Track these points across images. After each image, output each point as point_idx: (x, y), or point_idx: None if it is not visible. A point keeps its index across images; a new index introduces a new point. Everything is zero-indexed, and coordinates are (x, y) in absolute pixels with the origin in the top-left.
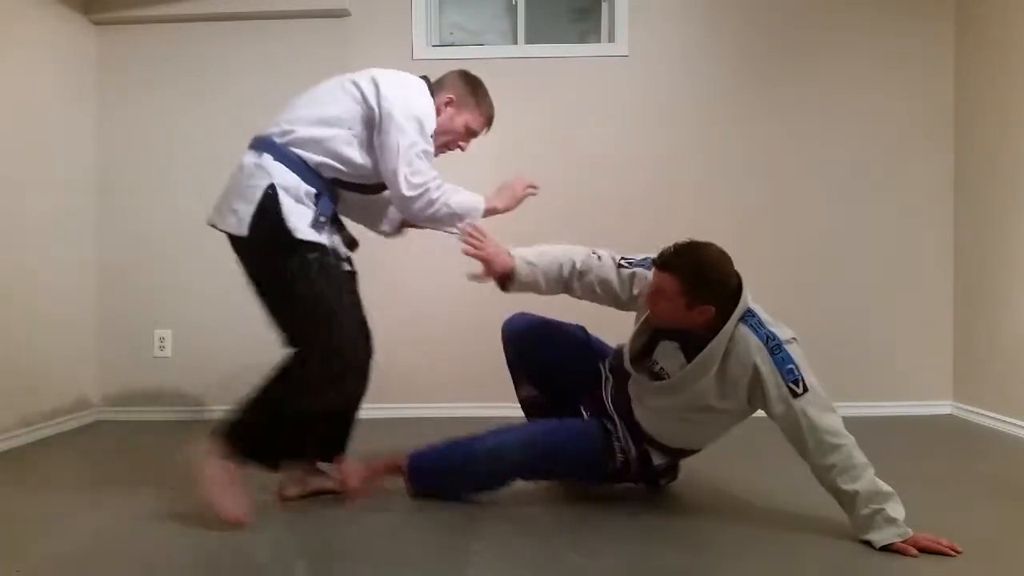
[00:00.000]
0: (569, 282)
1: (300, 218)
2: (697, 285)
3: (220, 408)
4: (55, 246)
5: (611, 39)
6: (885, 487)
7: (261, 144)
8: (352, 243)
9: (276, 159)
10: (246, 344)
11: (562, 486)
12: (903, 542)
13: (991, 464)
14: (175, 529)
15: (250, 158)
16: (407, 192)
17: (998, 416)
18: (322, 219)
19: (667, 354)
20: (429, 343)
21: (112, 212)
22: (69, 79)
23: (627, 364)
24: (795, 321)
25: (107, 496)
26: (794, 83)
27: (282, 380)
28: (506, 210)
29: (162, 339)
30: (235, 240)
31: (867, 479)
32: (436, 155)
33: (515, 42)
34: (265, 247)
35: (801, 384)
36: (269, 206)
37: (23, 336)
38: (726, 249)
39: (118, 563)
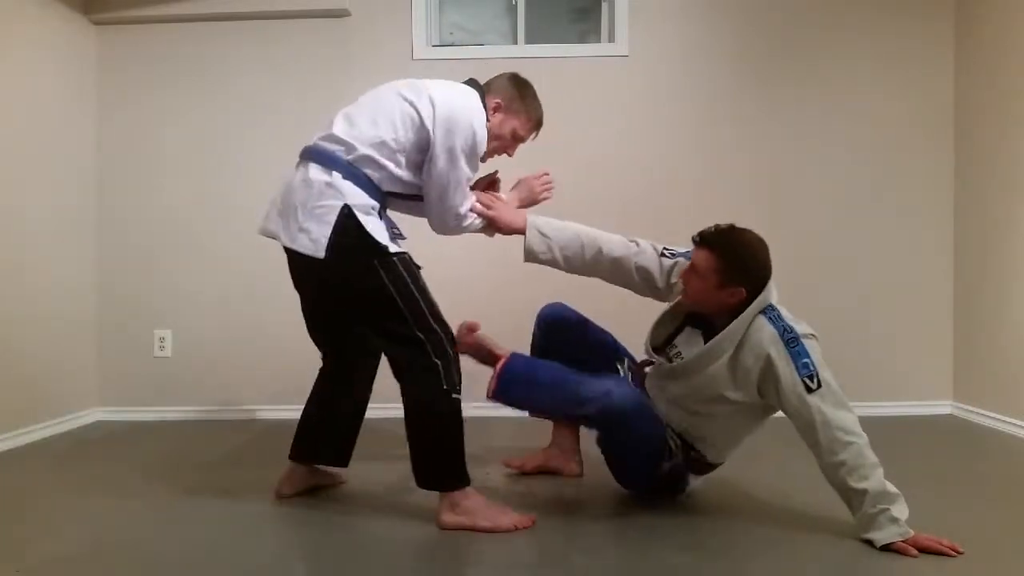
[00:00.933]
0: (596, 265)
1: (381, 232)
2: (732, 264)
3: (219, 408)
4: (55, 246)
5: (611, 39)
6: (892, 488)
7: (326, 159)
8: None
9: (346, 177)
10: (246, 344)
11: (563, 486)
12: (903, 542)
13: (991, 464)
14: (175, 529)
15: (319, 175)
16: (452, 224)
17: (998, 416)
18: (395, 231)
19: (687, 340)
20: None
21: (112, 212)
22: (69, 79)
23: (647, 348)
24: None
25: (107, 496)
26: (794, 83)
27: (428, 386)
28: (522, 207)
29: (162, 339)
30: (305, 261)
31: (876, 478)
32: (484, 161)
33: (515, 42)
34: (353, 266)
35: (816, 379)
36: (349, 226)
37: (23, 336)
38: None
39: (118, 563)
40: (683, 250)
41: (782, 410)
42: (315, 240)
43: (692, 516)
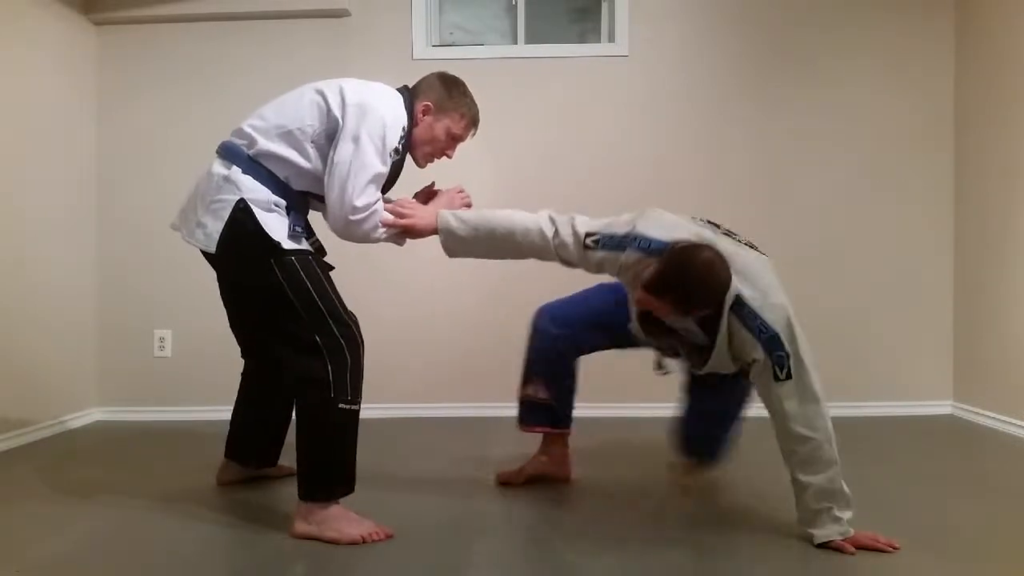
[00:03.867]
0: (516, 253)
1: (278, 228)
2: (688, 302)
3: (219, 408)
4: (55, 246)
5: (611, 39)
6: (843, 488)
7: (229, 154)
8: (320, 250)
9: (245, 171)
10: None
11: (563, 486)
12: (843, 540)
13: (991, 464)
14: (174, 529)
15: (218, 168)
16: (352, 216)
17: (998, 416)
18: (297, 229)
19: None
20: (428, 343)
21: (112, 212)
22: (69, 79)
23: (637, 333)
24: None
25: (106, 496)
26: (794, 83)
27: (313, 394)
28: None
29: (162, 339)
30: (207, 255)
31: (826, 476)
32: (423, 166)
33: (515, 42)
34: (246, 261)
35: (785, 370)
36: (242, 220)
37: (23, 336)
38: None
39: (118, 563)
40: (606, 232)
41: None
42: (208, 235)
43: (691, 517)
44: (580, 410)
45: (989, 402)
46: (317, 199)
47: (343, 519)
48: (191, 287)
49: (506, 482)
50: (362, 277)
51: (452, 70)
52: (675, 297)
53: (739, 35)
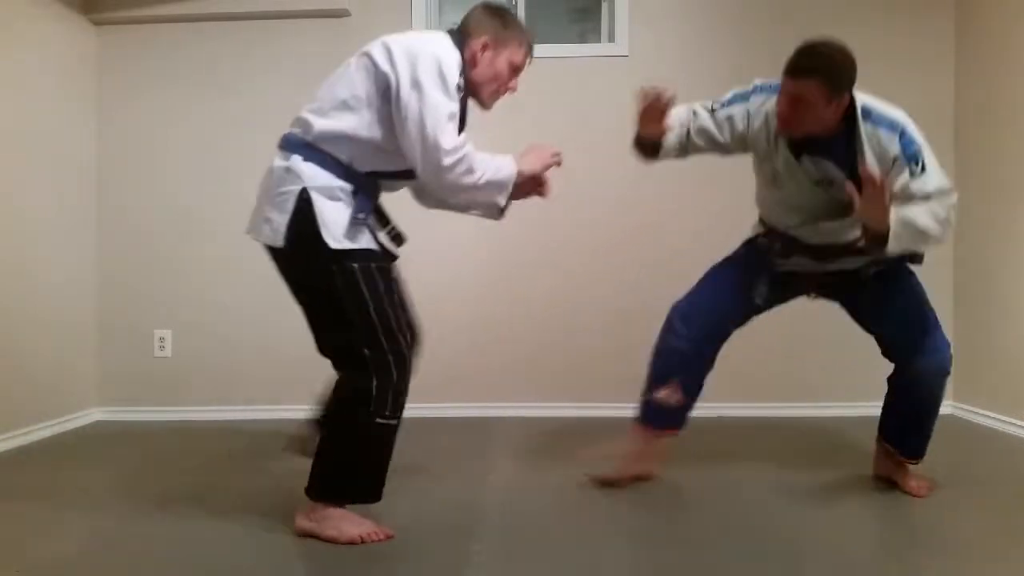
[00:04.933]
0: (685, 146)
1: (336, 224)
2: (835, 80)
3: (219, 408)
4: (55, 246)
5: (611, 39)
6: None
7: (288, 144)
8: (399, 239)
9: (306, 160)
10: (246, 344)
11: (559, 485)
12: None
13: (991, 464)
14: (174, 529)
15: (279, 161)
16: (445, 160)
17: (998, 416)
18: (360, 216)
19: (821, 171)
20: (429, 342)
21: (112, 212)
22: (69, 79)
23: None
24: (794, 320)
25: (107, 496)
26: None
27: (352, 404)
28: (532, 173)
29: (162, 339)
30: (273, 251)
31: (918, 223)
32: (490, 107)
33: None
34: (306, 260)
35: (920, 164)
36: (304, 212)
37: (23, 336)
38: (726, 249)
39: (118, 563)
40: (727, 97)
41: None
42: (275, 229)
43: (692, 516)
44: (594, 410)
45: (989, 402)
46: (388, 177)
47: (344, 519)
48: (191, 287)
49: (609, 483)
50: None
51: None
52: (822, 75)
53: (739, 35)
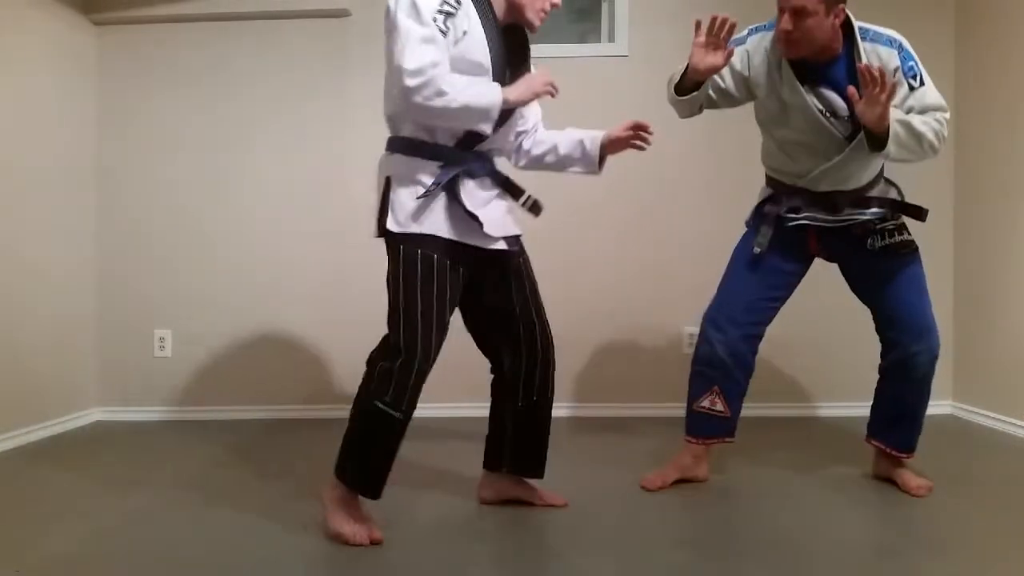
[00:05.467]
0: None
1: (402, 208)
2: None
3: (219, 408)
4: (55, 246)
5: (611, 39)
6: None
7: (386, 145)
8: (535, 207)
9: (389, 152)
10: (246, 344)
11: (560, 486)
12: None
13: (991, 464)
14: (174, 529)
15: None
16: (408, 81)
17: (998, 416)
18: (432, 189)
19: (839, 98)
20: None
21: (112, 212)
22: (68, 78)
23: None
24: (794, 320)
25: (107, 496)
26: None
27: (364, 377)
28: (519, 103)
29: (162, 339)
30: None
31: (915, 126)
32: (536, 26)
33: None
34: (387, 244)
35: (919, 77)
36: (385, 200)
37: (23, 336)
38: (726, 248)
39: (118, 563)
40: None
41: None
42: (376, 221)
43: (692, 516)
44: (597, 410)
45: (989, 402)
46: (478, 139)
47: (345, 510)
48: (191, 287)
49: (651, 487)
50: (364, 274)
51: None
52: None
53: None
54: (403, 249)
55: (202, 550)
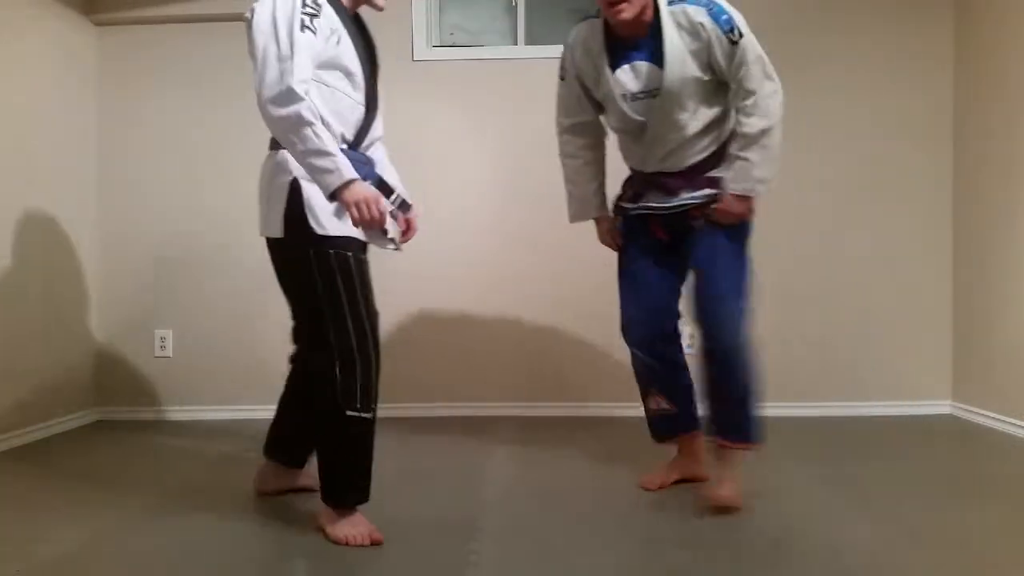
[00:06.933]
0: (591, 159)
1: (323, 210)
2: None
3: (220, 408)
4: (55, 246)
5: None
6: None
7: (275, 141)
8: (404, 205)
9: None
10: (246, 344)
11: (562, 485)
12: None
13: (990, 464)
14: (174, 529)
15: (268, 158)
16: (265, 92)
17: (997, 416)
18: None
19: (641, 75)
20: (429, 342)
21: (112, 212)
22: (69, 79)
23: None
24: (794, 320)
25: (107, 496)
26: (793, 84)
27: (319, 403)
28: (345, 201)
29: (162, 339)
30: (269, 243)
31: (769, 165)
32: (383, 7)
33: (515, 43)
34: (294, 247)
35: (736, 31)
36: (295, 201)
37: (23, 336)
38: None
39: (118, 563)
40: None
41: (726, 77)
42: (274, 220)
43: (692, 517)
44: (597, 410)
45: (988, 402)
46: (364, 136)
47: (343, 520)
48: (191, 287)
49: (651, 487)
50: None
51: (452, 70)
52: None
53: None
54: (332, 253)
55: (202, 550)
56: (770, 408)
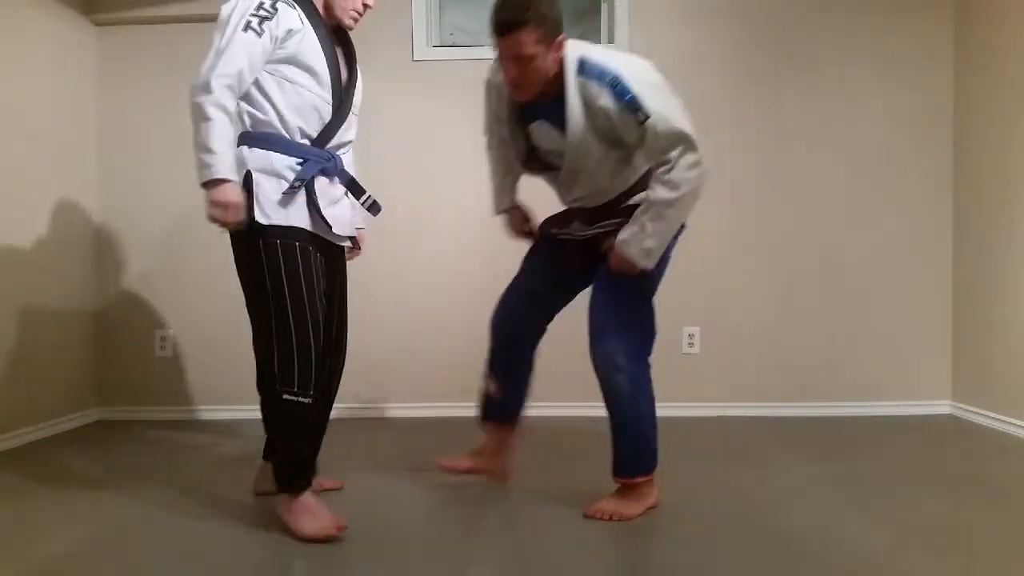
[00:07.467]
0: (508, 171)
1: (268, 200)
2: (543, 19)
3: (220, 408)
4: (55, 246)
5: (611, 40)
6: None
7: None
8: (374, 207)
9: (250, 146)
10: (247, 344)
11: (560, 485)
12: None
13: (990, 464)
14: (174, 529)
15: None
16: (193, 79)
17: (997, 416)
18: (297, 185)
19: (545, 136)
20: (426, 342)
21: (112, 211)
22: (69, 79)
23: (520, 165)
24: (794, 320)
25: (107, 496)
26: (793, 84)
27: (264, 390)
28: (209, 198)
29: (162, 339)
30: (231, 236)
31: (665, 233)
32: (350, 23)
33: None
34: (243, 237)
35: (641, 111)
36: (248, 193)
37: (23, 336)
38: (726, 249)
39: (118, 563)
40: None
41: (641, 153)
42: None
43: (692, 517)
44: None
45: (988, 402)
46: (325, 136)
47: (301, 512)
48: (191, 287)
49: (447, 469)
50: (360, 275)
51: (452, 70)
52: (530, 21)
53: (737, 37)
54: (278, 242)
55: (202, 550)
56: (771, 408)
